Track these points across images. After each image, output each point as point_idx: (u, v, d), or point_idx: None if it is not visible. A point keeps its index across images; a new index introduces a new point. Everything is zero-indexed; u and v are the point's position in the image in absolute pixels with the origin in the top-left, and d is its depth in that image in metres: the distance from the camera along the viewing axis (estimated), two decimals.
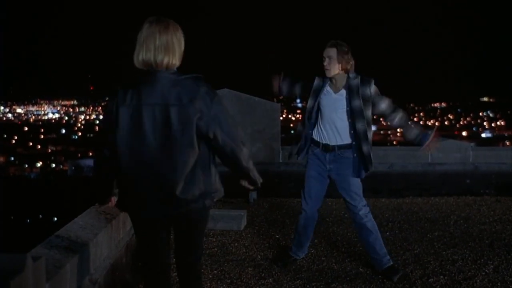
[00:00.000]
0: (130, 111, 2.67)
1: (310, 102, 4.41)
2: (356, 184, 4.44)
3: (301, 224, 4.69)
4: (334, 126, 4.35)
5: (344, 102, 4.30)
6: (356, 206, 4.45)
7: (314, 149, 4.48)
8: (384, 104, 4.36)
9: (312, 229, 4.73)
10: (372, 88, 4.30)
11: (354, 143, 4.33)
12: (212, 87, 2.78)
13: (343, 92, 4.31)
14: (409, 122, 4.43)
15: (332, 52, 4.26)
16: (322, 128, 4.41)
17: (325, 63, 4.28)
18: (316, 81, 4.42)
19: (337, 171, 4.42)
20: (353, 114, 4.28)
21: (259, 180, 3.21)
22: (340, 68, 4.27)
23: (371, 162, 4.35)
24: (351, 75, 4.31)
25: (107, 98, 2.82)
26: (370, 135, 4.33)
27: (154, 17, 2.76)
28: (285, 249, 5.13)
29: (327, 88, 4.38)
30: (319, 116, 4.42)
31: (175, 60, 2.75)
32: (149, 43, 2.70)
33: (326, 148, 4.40)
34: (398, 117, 4.39)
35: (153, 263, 2.95)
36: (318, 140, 4.44)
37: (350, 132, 4.32)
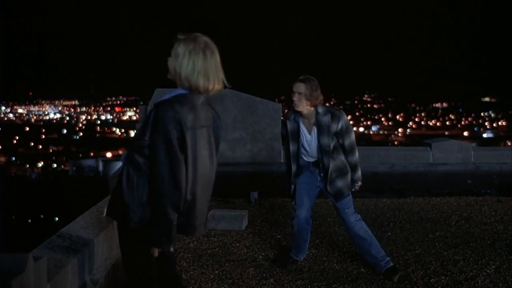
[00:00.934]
0: (190, 134, 2.67)
1: (292, 147, 4.54)
2: (346, 200, 4.55)
3: (296, 229, 4.74)
4: (320, 155, 4.47)
5: (315, 140, 4.44)
6: (347, 219, 4.56)
7: (308, 167, 4.61)
8: (347, 141, 4.46)
9: (307, 232, 4.75)
10: (341, 123, 4.39)
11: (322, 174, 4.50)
12: None
13: (315, 130, 4.42)
14: (357, 166, 4.55)
15: (301, 88, 4.31)
16: (310, 157, 4.55)
17: (294, 98, 4.35)
18: (290, 124, 4.52)
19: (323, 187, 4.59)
20: (322, 151, 4.42)
21: None
22: (309, 104, 4.35)
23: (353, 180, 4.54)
24: (320, 111, 4.39)
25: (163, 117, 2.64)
26: (353, 158, 4.52)
27: (209, 43, 2.75)
28: (286, 249, 5.13)
29: (302, 127, 4.47)
30: (302, 159, 4.57)
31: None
32: (209, 72, 2.71)
33: (317, 163, 4.53)
34: (350, 159, 4.51)
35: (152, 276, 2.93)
36: (310, 161, 4.57)
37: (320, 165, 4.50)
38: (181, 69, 2.70)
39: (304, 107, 4.35)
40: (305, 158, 4.56)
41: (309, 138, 4.46)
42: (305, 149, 4.51)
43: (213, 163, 2.83)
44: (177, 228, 2.69)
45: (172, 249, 2.67)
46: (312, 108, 4.37)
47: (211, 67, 2.71)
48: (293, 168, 4.61)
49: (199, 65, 2.69)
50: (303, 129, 4.47)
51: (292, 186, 4.70)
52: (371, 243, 4.52)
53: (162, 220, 2.62)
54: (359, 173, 4.56)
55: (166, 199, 2.60)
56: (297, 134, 4.49)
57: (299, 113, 4.43)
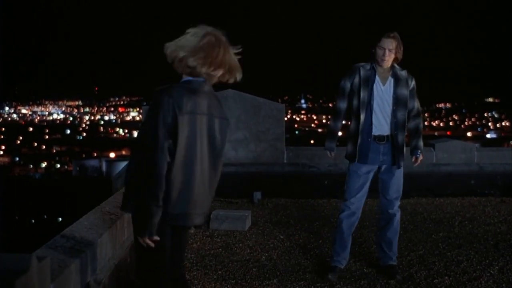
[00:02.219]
0: (187, 119, 2.65)
1: (363, 94, 4.30)
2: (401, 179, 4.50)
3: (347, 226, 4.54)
4: (386, 116, 4.33)
5: (391, 90, 4.31)
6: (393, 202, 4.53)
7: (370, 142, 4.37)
8: (417, 104, 4.45)
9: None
10: (413, 83, 4.39)
11: (393, 133, 4.33)
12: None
13: (391, 80, 4.31)
14: (420, 133, 4.49)
15: (393, 44, 4.22)
16: (374, 119, 4.33)
17: (385, 55, 4.22)
18: (363, 72, 4.32)
19: (388, 162, 4.40)
20: (397, 102, 4.30)
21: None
22: (393, 60, 4.30)
23: (402, 153, 4.40)
24: (396, 66, 4.34)
25: (157, 101, 2.65)
26: (420, 123, 4.49)
27: (216, 32, 2.75)
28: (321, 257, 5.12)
29: (377, 78, 4.32)
30: (373, 108, 4.32)
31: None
32: (209, 55, 2.69)
33: (380, 138, 4.35)
34: (415, 123, 4.46)
35: (163, 267, 2.93)
36: (373, 131, 4.35)
37: (392, 121, 4.33)
38: (179, 51, 2.70)
39: (389, 63, 4.28)
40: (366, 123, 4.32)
41: (383, 89, 4.30)
42: (375, 103, 4.29)
43: (214, 151, 2.77)
44: (167, 217, 2.66)
45: (155, 238, 2.62)
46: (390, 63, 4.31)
47: (211, 50, 2.69)
48: (360, 124, 4.32)
49: (193, 44, 2.68)
50: (377, 79, 4.31)
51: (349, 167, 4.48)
52: (396, 234, 4.58)
53: (138, 207, 2.63)
54: (422, 142, 4.49)
55: (145, 185, 2.58)
56: (371, 81, 4.30)
57: (375, 69, 4.32)
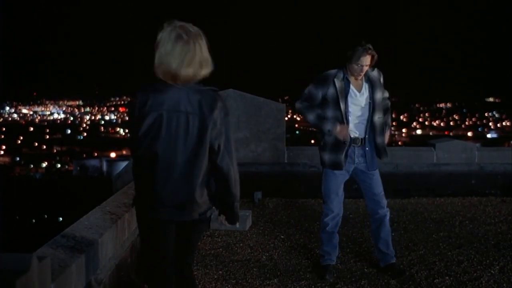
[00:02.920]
0: (155, 116, 2.71)
1: (342, 105, 4.31)
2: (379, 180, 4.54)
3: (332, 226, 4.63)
4: (362, 120, 4.39)
5: (367, 96, 4.36)
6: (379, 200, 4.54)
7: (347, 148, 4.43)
8: (386, 94, 4.55)
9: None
10: (382, 78, 4.46)
11: (368, 135, 4.40)
12: (220, 94, 2.83)
13: (365, 86, 4.37)
14: (387, 112, 4.54)
15: (368, 60, 4.25)
16: (354, 126, 4.40)
17: (362, 71, 4.27)
18: (338, 83, 4.32)
19: (363, 164, 4.46)
20: (374, 108, 4.35)
21: (237, 219, 3.00)
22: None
23: (385, 152, 4.47)
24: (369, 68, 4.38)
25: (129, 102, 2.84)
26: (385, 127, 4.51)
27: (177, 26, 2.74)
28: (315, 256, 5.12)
29: (351, 88, 4.35)
30: (350, 117, 4.37)
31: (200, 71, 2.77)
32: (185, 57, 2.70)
33: (355, 141, 4.41)
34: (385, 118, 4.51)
35: (161, 263, 2.95)
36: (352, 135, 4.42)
37: (366, 125, 4.39)
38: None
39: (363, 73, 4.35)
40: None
41: (358, 96, 4.35)
42: (352, 112, 4.35)
43: (188, 147, 2.75)
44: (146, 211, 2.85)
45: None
46: None
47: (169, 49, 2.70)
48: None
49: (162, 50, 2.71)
50: (352, 89, 4.35)
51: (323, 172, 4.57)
52: (389, 233, 4.60)
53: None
54: (389, 119, 4.57)
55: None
56: (346, 92, 4.33)
57: (346, 76, 4.35)
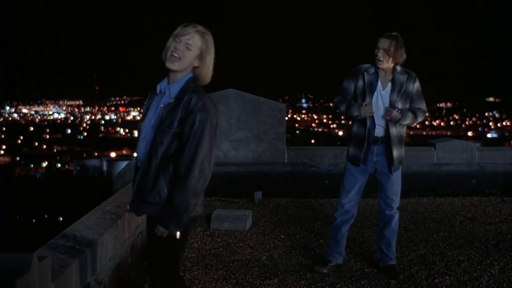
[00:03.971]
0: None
1: (368, 100, 4.31)
2: (397, 176, 4.54)
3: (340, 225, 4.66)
4: (383, 119, 4.35)
5: (388, 95, 4.32)
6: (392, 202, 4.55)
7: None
8: (422, 106, 4.44)
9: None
10: (416, 85, 4.38)
11: (387, 135, 4.36)
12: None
13: (389, 85, 4.33)
14: (414, 112, 4.42)
15: (386, 44, 4.21)
16: (375, 123, 4.38)
17: (379, 54, 4.24)
18: (367, 77, 4.35)
19: (382, 164, 4.46)
20: (390, 107, 4.31)
21: (178, 229, 2.73)
22: (392, 62, 4.26)
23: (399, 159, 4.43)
24: (398, 69, 4.33)
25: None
26: (419, 114, 4.43)
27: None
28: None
29: (379, 83, 4.35)
30: (374, 112, 4.35)
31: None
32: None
33: (375, 140, 4.39)
34: (416, 109, 4.43)
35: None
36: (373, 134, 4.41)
37: (386, 123, 4.35)
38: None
39: (388, 64, 4.26)
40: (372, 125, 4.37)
41: (383, 93, 4.33)
42: (375, 107, 4.32)
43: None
44: None
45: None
46: (392, 65, 4.29)
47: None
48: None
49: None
50: (379, 84, 4.35)
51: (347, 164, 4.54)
52: (394, 235, 4.60)
53: None
54: (407, 117, 4.35)
55: None
56: (374, 86, 4.33)
57: (377, 71, 4.34)
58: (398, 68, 4.33)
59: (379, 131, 4.37)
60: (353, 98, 4.44)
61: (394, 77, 4.32)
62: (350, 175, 4.51)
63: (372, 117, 4.33)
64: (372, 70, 4.36)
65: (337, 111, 4.67)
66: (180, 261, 3.10)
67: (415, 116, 4.39)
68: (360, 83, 4.37)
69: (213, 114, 2.74)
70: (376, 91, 4.33)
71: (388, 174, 4.46)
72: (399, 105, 4.31)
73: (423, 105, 4.45)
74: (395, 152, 4.37)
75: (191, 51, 2.77)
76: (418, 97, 4.41)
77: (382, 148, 4.39)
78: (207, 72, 2.84)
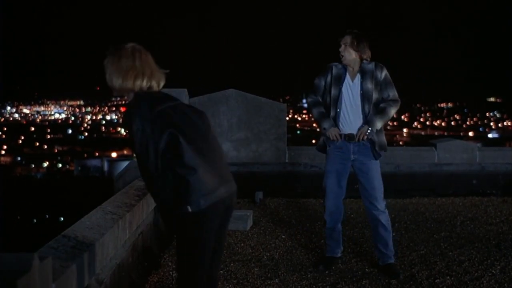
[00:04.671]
0: None
1: (334, 91, 4.47)
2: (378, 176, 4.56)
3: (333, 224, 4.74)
4: (358, 113, 4.45)
5: (359, 86, 4.43)
6: (376, 198, 4.54)
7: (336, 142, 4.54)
8: (391, 93, 4.49)
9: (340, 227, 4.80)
10: (384, 73, 4.46)
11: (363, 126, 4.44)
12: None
13: (358, 76, 4.44)
14: (383, 113, 4.45)
15: (348, 39, 4.41)
16: (345, 117, 4.48)
17: (340, 49, 4.43)
18: (335, 70, 4.51)
19: (360, 161, 4.52)
20: (363, 98, 4.41)
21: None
22: (355, 56, 4.41)
23: (381, 148, 4.49)
24: (365, 62, 4.45)
25: None
26: (390, 106, 4.49)
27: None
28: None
29: (347, 76, 4.48)
30: (343, 105, 4.48)
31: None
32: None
33: (350, 137, 4.47)
34: (385, 104, 4.47)
35: None
36: (344, 130, 4.50)
37: (363, 119, 4.44)
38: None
39: (351, 58, 4.41)
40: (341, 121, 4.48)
41: (351, 85, 4.44)
42: (344, 102, 4.44)
43: None
44: None
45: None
46: (358, 60, 4.43)
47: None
48: (331, 114, 4.51)
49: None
50: (347, 76, 4.47)
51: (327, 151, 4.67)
52: (390, 233, 4.61)
53: None
54: (377, 122, 4.41)
55: None
56: (341, 79, 4.47)
57: (345, 67, 4.48)
58: (365, 61, 4.46)
59: (354, 127, 4.45)
60: (323, 93, 4.57)
61: (361, 67, 4.45)
62: (329, 174, 4.66)
63: (340, 112, 4.46)
64: (340, 66, 4.52)
65: (310, 114, 4.81)
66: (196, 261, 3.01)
67: (385, 112, 4.45)
68: (329, 77, 4.52)
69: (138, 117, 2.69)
70: (344, 83, 4.45)
71: (367, 171, 4.49)
72: (375, 95, 4.41)
73: (392, 92, 4.50)
74: (376, 138, 4.43)
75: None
76: (387, 84, 4.48)
77: (360, 144, 4.46)
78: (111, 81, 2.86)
